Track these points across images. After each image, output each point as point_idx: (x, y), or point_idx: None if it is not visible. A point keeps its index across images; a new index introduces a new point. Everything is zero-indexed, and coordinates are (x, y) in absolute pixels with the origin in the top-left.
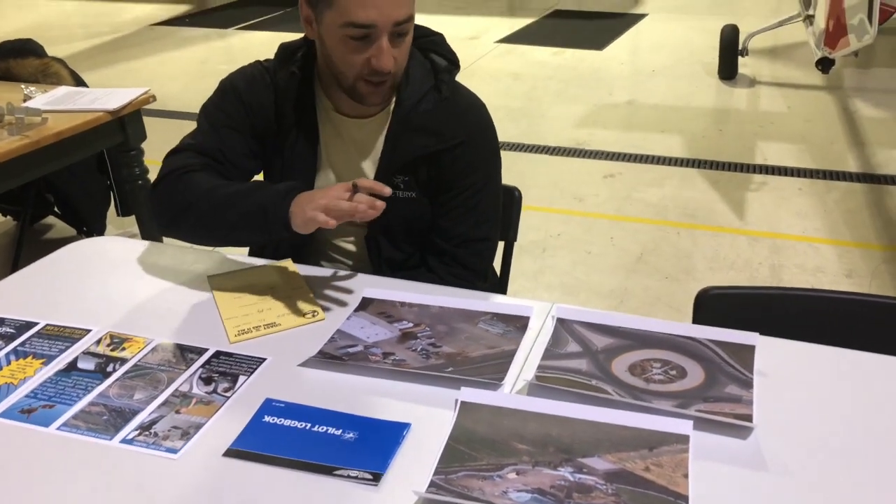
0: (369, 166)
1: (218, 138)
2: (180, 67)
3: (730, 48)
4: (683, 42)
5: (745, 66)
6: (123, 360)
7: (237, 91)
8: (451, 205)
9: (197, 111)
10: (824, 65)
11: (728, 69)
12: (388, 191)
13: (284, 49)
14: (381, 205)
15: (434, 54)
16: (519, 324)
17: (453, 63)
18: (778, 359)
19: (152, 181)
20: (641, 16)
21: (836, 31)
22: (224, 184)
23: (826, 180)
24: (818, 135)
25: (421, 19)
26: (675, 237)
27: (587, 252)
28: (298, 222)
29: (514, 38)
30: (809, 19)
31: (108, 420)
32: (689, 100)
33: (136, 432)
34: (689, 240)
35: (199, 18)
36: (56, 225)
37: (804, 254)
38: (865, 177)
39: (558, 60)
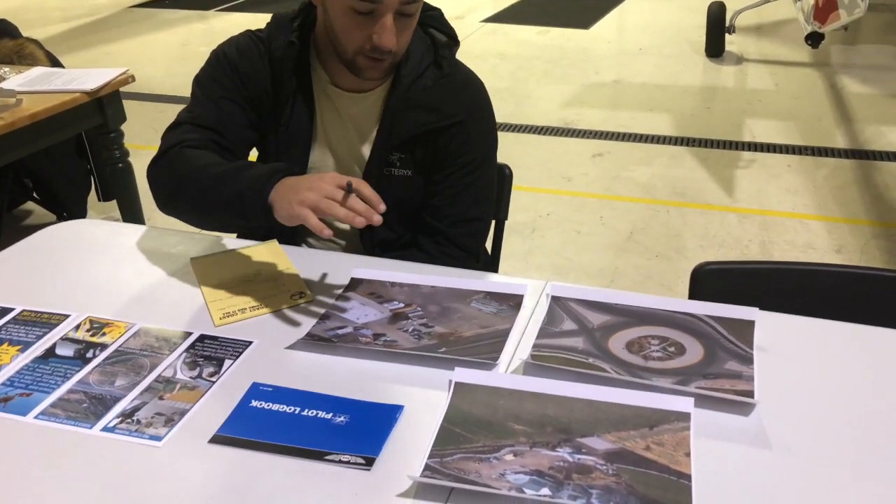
0: (365, 142)
1: (216, 109)
2: (160, 50)
3: (717, 25)
4: (669, 20)
5: (731, 43)
6: (104, 346)
7: (231, 61)
8: (445, 183)
9: (178, 93)
10: (814, 39)
11: (715, 47)
12: (382, 207)
13: (279, 18)
14: (378, 220)
15: (433, 29)
16: (512, 302)
17: (453, 39)
18: (777, 334)
19: (151, 160)
20: None
21: (826, 6)
22: (216, 162)
23: (814, 157)
24: (806, 111)
25: None
26: (665, 216)
27: (577, 232)
28: (283, 214)
29: (500, 18)
30: None
31: (89, 407)
32: (676, 78)
33: (118, 420)
34: (679, 218)
35: (178, 0)
36: (35, 211)
37: (794, 230)
38: (853, 153)
39: (544, 40)
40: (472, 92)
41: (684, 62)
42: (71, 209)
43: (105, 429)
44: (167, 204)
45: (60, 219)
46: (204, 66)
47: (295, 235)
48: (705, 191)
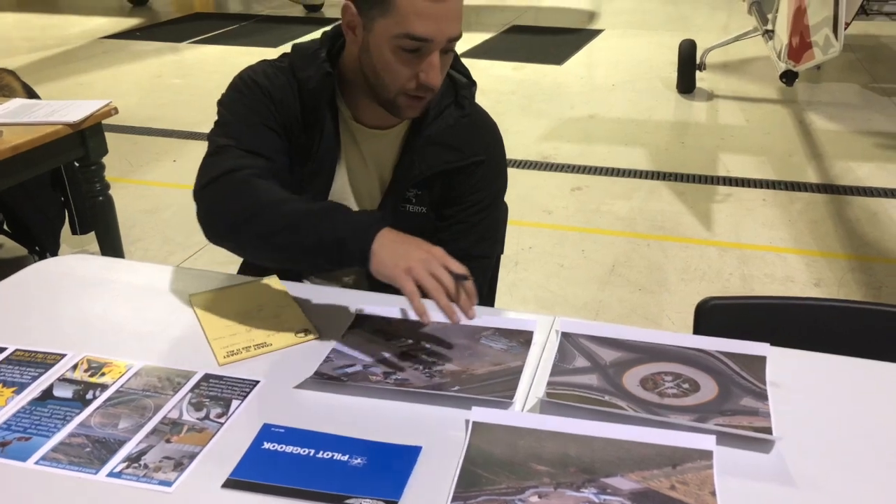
0: (383, 177)
1: (258, 135)
2: (133, 81)
3: (688, 62)
4: (640, 57)
5: (702, 80)
6: (104, 387)
7: (263, 88)
8: (455, 219)
9: (152, 125)
10: (788, 77)
11: (686, 83)
12: (476, 300)
13: (302, 49)
14: (473, 315)
15: (452, 70)
16: (522, 339)
17: (470, 79)
18: (788, 369)
19: (199, 184)
20: (598, 31)
21: (800, 46)
22: (290, 198)
23: (788, 191)
24: (777, 147)
25: None
26: (646, 249)
27: (559, 265)
28: (383, 271)
29: (474, 53)
30: (769, 34)
31: (92, 452)
32: (649, 113)
33: (124, 465)
34: (660, 251)
35: (150, 32)
36: (5, 244)
37: (773, 264)
38: (825, 187)
39: (520, 75)
40: (491, 132)
41: (657, 98)
42: (44, 243)
43: (111, 474)
44: (225, 236)
45: (32, 253)
46: (231, 94)
47: (300, 273)
48: (684, 224)
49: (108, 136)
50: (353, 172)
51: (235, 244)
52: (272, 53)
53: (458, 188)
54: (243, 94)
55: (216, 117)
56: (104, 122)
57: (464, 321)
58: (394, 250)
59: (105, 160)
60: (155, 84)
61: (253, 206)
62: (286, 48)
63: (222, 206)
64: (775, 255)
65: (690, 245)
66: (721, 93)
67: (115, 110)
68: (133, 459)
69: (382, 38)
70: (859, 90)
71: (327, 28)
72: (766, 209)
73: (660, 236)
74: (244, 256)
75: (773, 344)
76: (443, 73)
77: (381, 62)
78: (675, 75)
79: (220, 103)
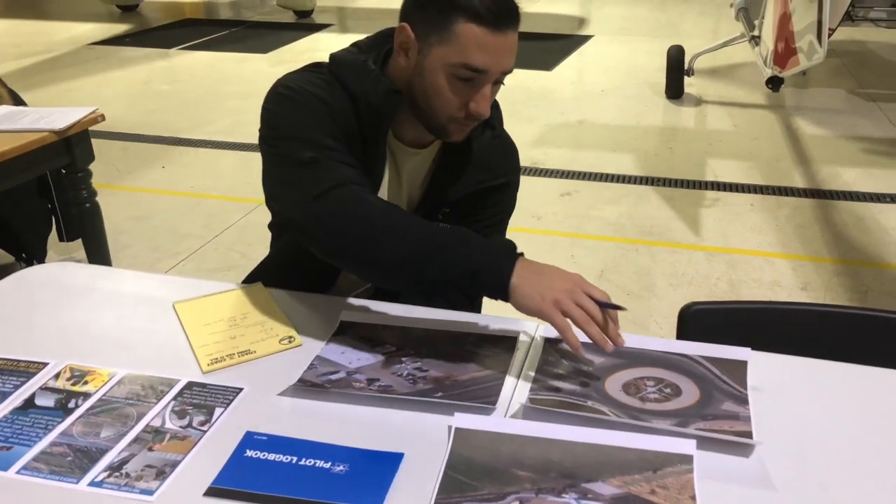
0: (414, 195)
1: (340, 147)
2: (122, 88)
3: (676, 68)
4: (629, 63)
5: (690, 85)
6: (86, 395)
7: (320, 99)
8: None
9: (141, 132)
10: (774, 83)
11: (675, 89)
12: (619, 342)
13: (348, 61)
14: (621, 342)
15: None
16: (506, 345)
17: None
18: (769, 373)
19: (304, 197)
20: (587, 37)
21: (785, 52)
22: (417, 221)
23: (776, 196)
24: (765, 152)
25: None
26: (635, 254)
27: None
28: (528, 305)
29: None
30: (755, 40)
31: (74, 461)
32: (638, 119)
33: (106, 473)
34: (648, 256)
35: (139, 38)
36: None
37: (760, 268)
38: (812, 192)
39: (510, 81)
40: (516, 154)
41: (645, 103)
42: (30, 250)
43: (92, 483)
44: (344, 257)
45: (19, 260)
46: (287, 104)
47: (328, 284)
48: (672, 229)
49: (96, 142)
50: (390, 188)
51: (356, 267)
52: (263, 60)
53: (481, 205)
54: (304, 106)
55: (269, 130)
56: (92, 128)
57: (440, 326)
58: (536, 283)
59: (93, 167)
60: (144, 90)
61: (379, 230)
62: (277, 54)
63: (342, 225)
64: (763, 259)
65: (679, 250)
66: (709, 98)
67: (102, 117)
68: (115, 468)
69: (438, 65)
70: (846, 95)
71: (359, 38)
72: (754, 214)
73: (648, 241)
74: (358, 276)
75: (755, 348)
76: (493, 100)
77: (433, 88)
78: (663, 81)
79: (276, 115)
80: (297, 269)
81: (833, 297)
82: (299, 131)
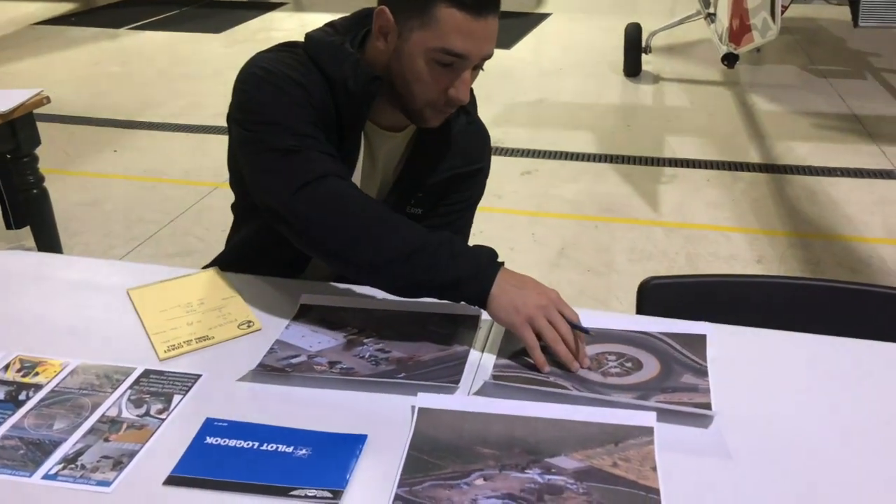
0: (387, 179)
1: (319, 135)
2: (69, 70)
3: (634, 46)
4: (587, 41)
5: (648, 63)
6: (38, 387)
7: (296, 82)
8: (436, 213)
9: (91, 114)
10: (730, 60)
11: (633, 66)
12: (584, 363)
13: (324, 43)
14: (585, 363)
15: None
16: (469, 323)
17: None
18: (727, 345)
19: (286, 189)
20: (545, 15)
21: (740, 29)
22: (402, 221)
23: (731, 171)
24: (721, 128)
25: (319, 19)
26: (594, 231)
27: (510, 248)
28: (502, 317)
29: None
30: (711, 17)
31: (26, 454)
32: (597, 97)
33: (60, 466)
34: (608, 233)
35: (86, 17)
36: None
37: (717, 242)
38: (767, 167)
39: None
40: (488, 140)
41: (604, 81)
42: None
43: (46, 476)
44: (325, 251)
45: None
46: (264, 88)
47: (297, 272)
48: (631, 206)
49: (43, 126)
50: (363, 172)
51: (337, 262)
52: (216, 40)
53: (453, 190)
54: (283, 91)
55: (245, 114)
56: (37, 111)
57: (402, 307)
58: (514, 296)
59: (40, 151)
60: (93, 72)
61: (363, 228)
62: (231, 34)
63: (325, 220)
64: (719, 233)
65: (637, 226)
66: (666, 75)
67: (47, 99)
68: (70, 460)
69: (417, 49)
70: (798, 72)
71: (318, 17)
72: (711, 189)
73: (608, 218)
74: (337, 272)
75: (712, 320)
76: (471, 86)
77: (412, 72)
78: (621, 58)
79: (253, 99)
80: (265, 258)
81: (787, 269)
82: (279, 117)
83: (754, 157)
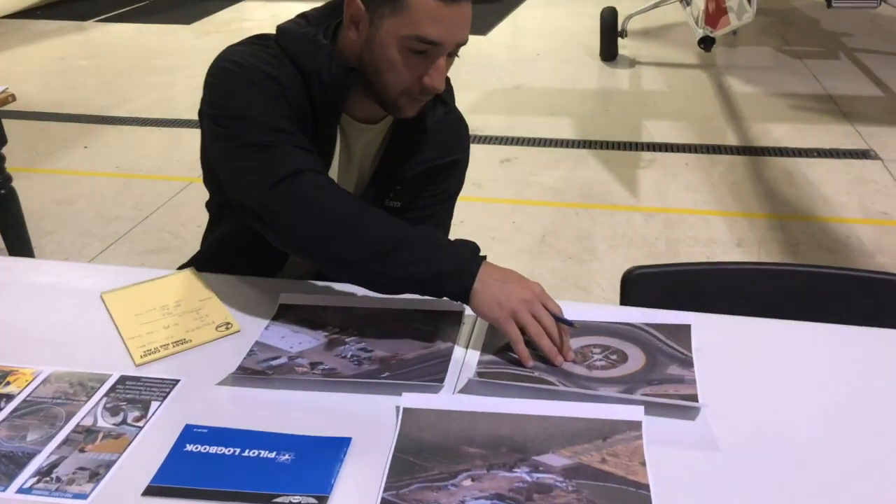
0: (365, 172)
1: (294, 130)
2: (35, 64)
3: (610, 30)
4: (563, 26)
5: (624, 47)
6: (9, 397)
7: (270, 76)
8: (413, 205)
9: (58, 110)
10: (706, 43)
11: (609, 51)
12: (569, 357)
13: (297, 35)
14: (570, 357)
15: None
16: (452, 319)
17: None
18: (711, 335)
19: (260, 185)
20: (520, 0)
21: (716, 12)
22: (379, 216)
23: (709, 154)
24: (698, 111)
25: (291, 8)
26: (575, 218)
27: (491, 238)
28: (485, 312)
29: None
30: (686, 1)
31: None
32: (574, 82)
33: (35, 479)
34: (588, 219)
35: (51, 10)
36: None
37: (696, 226)
38: (744, 149)
39: None
40: (467, 131)
41: (580, 66)
42: None
43: (21, 490)
44: (301, 249)
45: None
46: (236, 82)
47: (275, 270)
48: (611, 192)
49: (9, 123)
50: (340, 166)
51: (315, 260)
52: (187, 31)
53: (432, 182)
54: (255, 85)
55: (217, 109)
56: (2, 108)
57: (383, 304)
58: (497, 291)
59: (6, 150)
60: (59, 66)
61: (342, 224)
62: (202, 25)
63: (302, 217)
64: (699, 217)
65: (617, 212)
66: (643, 59)
67: (13, 97)
68: (44, 473)
69: (390, 38)
70: (773, 53)
71: (305, 9)
72: (689, 173)
73: (587, 205)
74: (318, 269)
75: (696, 309)
76: (447, 74)
77: (385, 61)
78: (598, 43)
79: (225, 94)
80: (242, 257)
81: (767, 252)
82: (252, 112)
83: (732, 139)
